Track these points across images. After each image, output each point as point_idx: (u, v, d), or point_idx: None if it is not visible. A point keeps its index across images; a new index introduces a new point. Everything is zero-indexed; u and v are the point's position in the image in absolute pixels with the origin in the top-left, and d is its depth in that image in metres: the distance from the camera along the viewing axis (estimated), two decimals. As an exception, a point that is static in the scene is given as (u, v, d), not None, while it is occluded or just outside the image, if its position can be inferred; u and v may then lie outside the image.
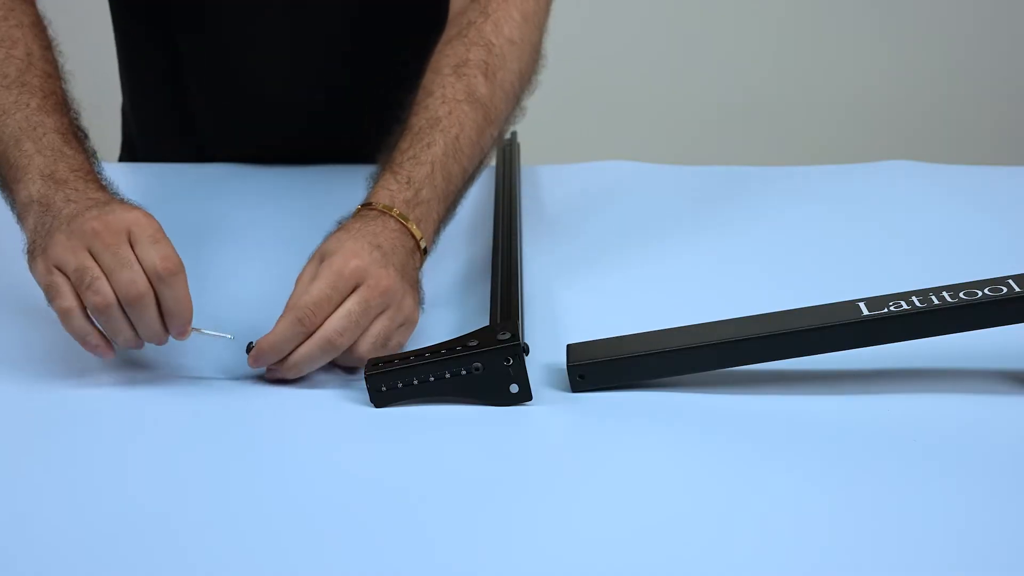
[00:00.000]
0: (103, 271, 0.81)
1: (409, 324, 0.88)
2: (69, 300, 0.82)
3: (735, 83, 2.74)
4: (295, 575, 0.65)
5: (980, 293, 0.83)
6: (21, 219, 0.89)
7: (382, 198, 0.93)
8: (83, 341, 0.83)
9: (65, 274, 0.82)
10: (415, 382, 0.82)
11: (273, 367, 0.85)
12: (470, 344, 0.82)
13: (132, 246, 0.82)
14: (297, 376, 0.85)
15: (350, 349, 0.85)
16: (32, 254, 0.86)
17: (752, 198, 1.28)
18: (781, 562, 0.67)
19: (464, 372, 0.81)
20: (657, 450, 0.78)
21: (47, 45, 1.00)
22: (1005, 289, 0.83)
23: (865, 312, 0.83)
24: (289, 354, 0.84)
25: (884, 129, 2.77)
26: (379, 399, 0.83)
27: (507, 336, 0.82)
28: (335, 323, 0.84)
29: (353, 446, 0.79)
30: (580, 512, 0.72)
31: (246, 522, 0.70)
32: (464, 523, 0.70)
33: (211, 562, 0.66)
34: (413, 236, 0.91)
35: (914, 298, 0.84)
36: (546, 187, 1.31)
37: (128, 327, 0.83)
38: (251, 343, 0.85)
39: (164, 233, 0.84)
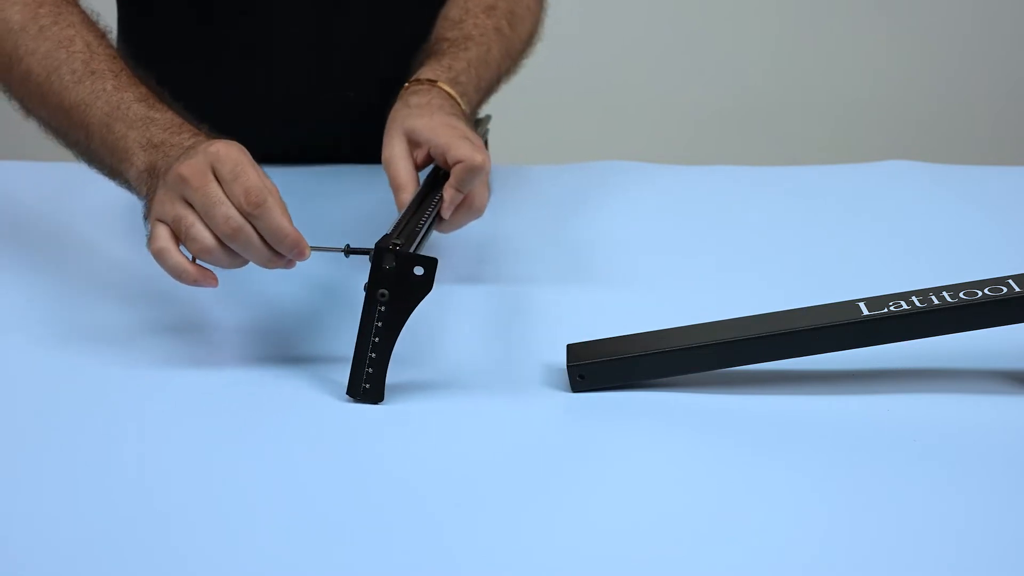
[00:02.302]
0: (199, 214, 0.82)
1: None
2: (161, 242, 0.83)
3: (735, 83, 2.74)
4: (290, 573, 0.65)
5: (980, 293, 0.83)
6: (139, 194, 0.90)
7: (427, 74, 1.07)
8: (179, 278, 0.84)
9: (167, 225, 0.84)
10: (373, 356, 0.82)
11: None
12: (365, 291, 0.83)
13: (220, 183, 0.82)
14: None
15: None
16: (145, 217, 0.88)
17: (752, 198, 1.28)
18: (781, 562, 0.67)
19: (383, 309, 0.82)
20: (657, 450, 0.78)
21: (102, 35, 1.02)
22: (1005, 289, 0.83)
23: (865, 312, 0.83)
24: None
25: (884, 129, 2.77)
26: (370, 396, 0.83)
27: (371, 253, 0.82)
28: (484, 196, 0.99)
29: (352, 447, 0.79)
30: (580, 512, 0.71)
31: (244, 522, 0.70)
32: (463, 523, 0.70)
33: (210, 561, 0.66)
34: (459, 105, 1.05)
35: (914, 298, 0.84)
36: (545, 187, 1.31)
37: (240, 258, 0.84)
38: (348, 244, 0.85)
39: (246, 162, 0.83)
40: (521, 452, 0.79)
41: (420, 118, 1.00)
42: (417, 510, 0.71)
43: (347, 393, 0.83)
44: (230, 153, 0.83)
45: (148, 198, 0.88)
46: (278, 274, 0.88)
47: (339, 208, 1.18)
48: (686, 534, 0.69)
